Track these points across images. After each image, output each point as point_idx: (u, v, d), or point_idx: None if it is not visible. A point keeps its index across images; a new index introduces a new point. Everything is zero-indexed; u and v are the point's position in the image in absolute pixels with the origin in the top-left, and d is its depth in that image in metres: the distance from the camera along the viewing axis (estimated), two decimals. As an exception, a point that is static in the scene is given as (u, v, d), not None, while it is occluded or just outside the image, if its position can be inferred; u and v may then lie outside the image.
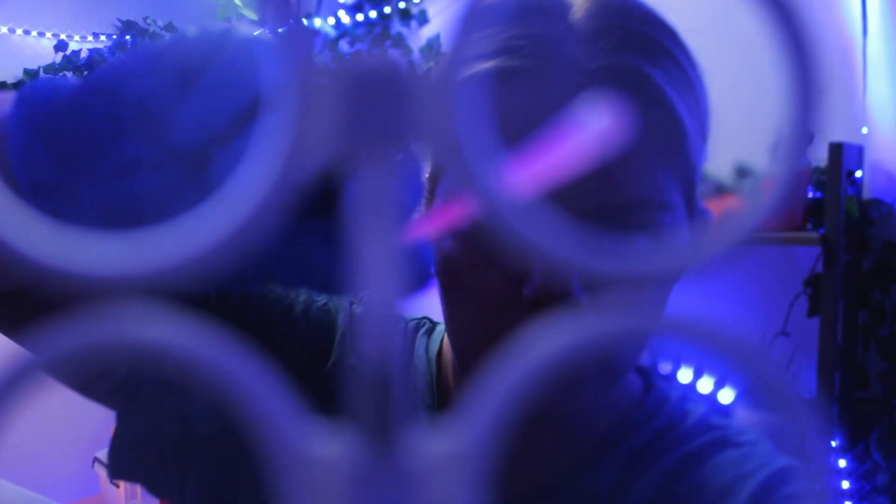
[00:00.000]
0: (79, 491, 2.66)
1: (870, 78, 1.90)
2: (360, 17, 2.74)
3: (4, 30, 2.59)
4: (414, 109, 0.15)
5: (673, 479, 0.52)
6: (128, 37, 2.70)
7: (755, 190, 0.15)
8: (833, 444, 1.72)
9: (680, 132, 0.46)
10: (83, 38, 2.72)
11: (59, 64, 2.63)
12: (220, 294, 0.57)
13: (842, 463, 1.73)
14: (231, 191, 0.15)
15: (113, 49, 2.69)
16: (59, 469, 2.62)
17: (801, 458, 0.15)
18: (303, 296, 0.61)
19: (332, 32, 2.74)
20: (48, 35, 2.67)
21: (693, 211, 0.49)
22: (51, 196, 0.30)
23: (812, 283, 1.90)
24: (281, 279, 0.31)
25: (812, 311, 1.88)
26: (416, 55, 2.60)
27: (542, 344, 0.15)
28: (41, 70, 2.61)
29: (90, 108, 0.30)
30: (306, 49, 0.15)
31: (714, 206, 0.52)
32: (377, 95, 0.15)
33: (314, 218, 0.29)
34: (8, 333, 0.45)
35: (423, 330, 0.62)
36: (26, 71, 2.58)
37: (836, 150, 1.72)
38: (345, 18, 2.75)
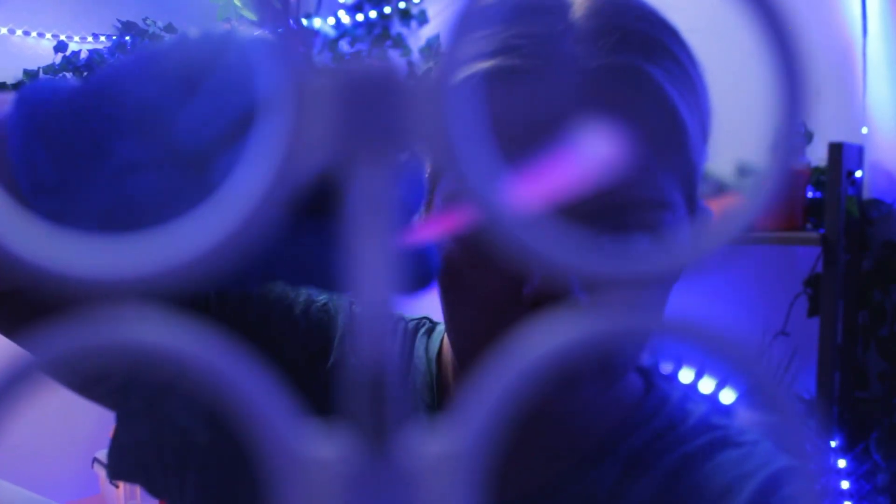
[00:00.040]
0: (78, 491, 2.66)
1: (870, 78, 1.89)
2: (360, 17, 2.74)
3: (4, 30, 2.59)
4: (411, 111, 0.15)
5: (673, 478, 0.52)
6: (127, 38, 2.70)
7: (752, 188, 0.15)
8: (833, 444, 1.72)
9: (681, 131, 0.46)
10: (83, 38, 2.72)
11: (58, 65, 2.63)
12: (219, 295, 0.57)
13: (842, 463, 1.73)
14: (229, 192, 0.15)
15: (112, 50, 2.69)
16: (59, 469, 2.62)
17: (800, 459, 0.15)
18: (303, 296, 0.61)
19: (331, 33, 2.74)
20: (48, 36, 2.67)
21: (694, 210, 0.49)
22: (51, 197, 0.30)
23: (812, 283, 1.90)
24: (281, 278, 0.31)
25: (812, 311, 1.88)
26: (415, 55, 2.60)
27: (539, 344, 0.15)
28: (41, 71, 2.61)
29: (90, 109, 0.30)
30: (304, 50, 0.15)
31: (715, 206, 0.52)
32: (375, 97, 0.15)
33: (314, 217, 0.29)
34: (7, 334, 0.45)
35: (423, 330, 0.62)
36: (26, 72, 2.58)
37: (836, 150, 1.72)
38: (345, 19, 2.75)
